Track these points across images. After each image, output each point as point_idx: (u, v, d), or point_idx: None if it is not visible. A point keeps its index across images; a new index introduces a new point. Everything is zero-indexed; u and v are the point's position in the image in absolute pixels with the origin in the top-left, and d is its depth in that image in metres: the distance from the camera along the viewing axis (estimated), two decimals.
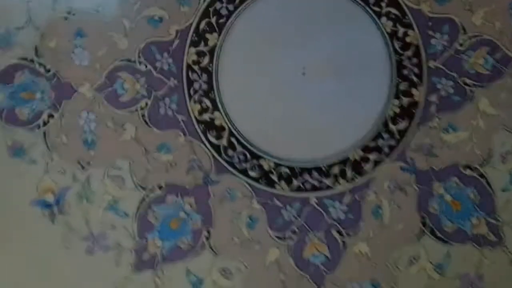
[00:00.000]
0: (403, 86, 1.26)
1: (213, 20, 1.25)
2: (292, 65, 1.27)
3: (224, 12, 1.25)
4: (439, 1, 1.26)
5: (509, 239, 1.24)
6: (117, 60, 1.24)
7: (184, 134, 1.24)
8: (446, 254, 1.23)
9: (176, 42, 1.25)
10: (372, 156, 1.25)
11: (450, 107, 1.25)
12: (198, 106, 1.25)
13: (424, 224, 1.23)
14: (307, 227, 1.24)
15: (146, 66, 1.24)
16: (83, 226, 1.22)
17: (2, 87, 1.22)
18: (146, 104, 1.24)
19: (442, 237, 1.23)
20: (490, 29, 1.26)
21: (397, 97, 1.26)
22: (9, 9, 1.23)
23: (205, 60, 1.26)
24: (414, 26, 1.26)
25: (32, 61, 1.23)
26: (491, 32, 1.26)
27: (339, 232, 1.24)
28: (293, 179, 1.25)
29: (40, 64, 1.23)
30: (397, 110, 1.26)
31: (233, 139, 1.25)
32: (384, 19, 1.26)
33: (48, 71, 1.23)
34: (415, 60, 1.26)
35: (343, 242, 1.23)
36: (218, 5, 1.25)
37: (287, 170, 1.25)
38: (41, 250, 1.23)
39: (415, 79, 1.26)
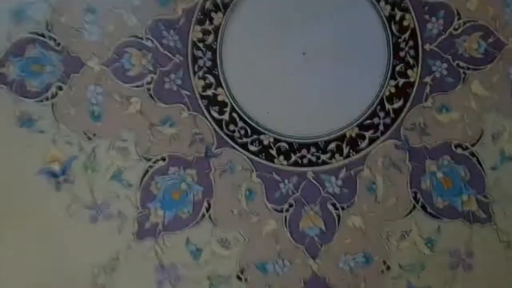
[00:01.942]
0: (399, 67, 1.34)
1: (218, 0, 1.33)
2: (293, 45, 1.35)
3: None
4: None
5: (499, 217, 1.33)
6: (125, 36, 1.31)
7: (188, 109, 1.32)
8: (436, 229, 1.32)
9: (182, 20, 1.32)
10: (368, 134, 1.34)
11: (444, 88, 1.34)
12: (202, 82, 1.32)
13: (416, 199, 1.32)
14: (303, 200, 1.32)
15: (152, 42, 1.31)
16: (88, 195, 1.29)
17: (14, 59, 1.28)
18: (152, 79, 1.31)
19: (433, 212, 1.32)
20: (484, 14, 1.35)
21: (393, 77, 1.34)
22: None
23: (210, 38, 1.33)
24: (411, 10, 1.34)
25: (43, 35, 1.29)
26: (484, 17, 1.35)
27: (334, 206, 1.32)
28: (291, 154, 1.33)
29: (51, 38, 1.29)
30: (393, 90, 1.34)
31: (234, 115, 1.33)
32: (382, 3, 1.34)
33: (58, 45, 1.29)
34: (411, 43, 1.35)
35: (338, 215, 1.32)
36: None
37: (286, 146, 1.33)
38: (46, 217, 1.29)
39: (411, 61, 1.34)
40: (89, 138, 1.30)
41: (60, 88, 1.30)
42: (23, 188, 1.29)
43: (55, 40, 1.30)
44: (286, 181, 1.33)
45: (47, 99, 1.30)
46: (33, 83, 1.30)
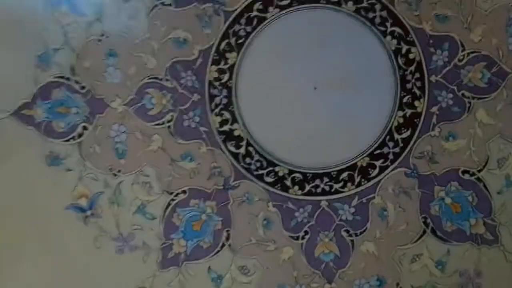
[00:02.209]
0: (406, 98, 1.39)
1: (233, 40, 1.38)
2: (304, 80, 1.40)
3: (242, 33, 1.38)
4: (440, 20, 1.39)
5: (505, 238, 1.39)
6: (145, 77, 1.37)
7: (206, 144, 1.38)
8: (446, 252, 1.38)
9: (199, 61, 1.37)
10: (378, 163, 1.39)
11: (450, 117, 1.39)
12: (219, 119, 1.38)
13: (426, 224, 1.38)
14: (318, 228, 1.39)
15: (171, 83, 1.37)
16: (113, 228, 1.37)
17: (42, 102, 1.35)
18: (172, 117, 1.37)
19: (443, 236, 1.38)
20: (487, 45, 1.39)
21: (401, 108, 1.39)
22: (48, 31, 1.35)
23: (225, 77, 1.38)
24: (417, 44, 1.39)
25: (68, 79, 1.35)
26: (488, 48, 1.39)
27: (348, 232, 1.38)
28: (305, 184, 1.39)
29: (76, 82, 1.36)
30: (401, 121, 1.39)
31: (250, 148, 1.39)
32: (389, 37, 1.39)
33: (83, 88, 1.36)
34: (417, 74, 1.39)
35: (352, 241, 1.38)
36: (237, 27, 1.38)
37: (300, 176, 1.39)
38: (75, 250, 1.36)
39: (417, 92, 1.39)
40: (114, 175, 1.37)
41: (86, 128, 1.36)
42: (52, 223, 1.36)
43: (79, 83, 1.37)
44: (301, 210, 1.39)
45: (73, 138, 1.36)
46: (60, 124, 1.36)
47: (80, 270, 1.37)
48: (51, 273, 1.37)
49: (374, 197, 1.39)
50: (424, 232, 1.39)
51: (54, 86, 1.36)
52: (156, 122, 1.38)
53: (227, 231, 1.39)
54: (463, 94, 1.40)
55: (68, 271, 1.37)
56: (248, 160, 1.39)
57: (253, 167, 1.39)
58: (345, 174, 1.40)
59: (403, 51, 1.40)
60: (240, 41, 1.39)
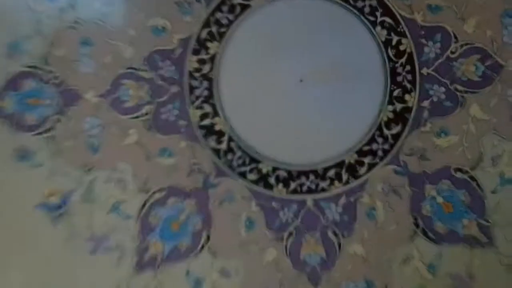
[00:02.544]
0: (396, 92, 1.37)
1: (214, 29, 1.36)
2: (290, 72, 1.38)
3: (224, 21, 1.36)
4: (432, 10, 1.38)
5: (499, 240, 1.34)
6: (122, 67, 1.34)
7: (186, 139, 1.35)
8: (438, 254, 1.34)
9: (179, 50, 1.36)
10: (367, 160, 1.36)
11: (442, 112, 1.37)
12: (199, 112, 1.36)
13: (416, 225, 1.34)
14: (303, 228, 1.34)
15: (149, 74, 1.35)
16: (86, 228, 1.32)
17: (11, 93, 1.32)
18: (149, 110, 1.34)
19: (434, 238, 1.34)
20: (481, 37, 1.38)
21: (390, 102, 1.37)
22: (18, 19, 1.33)
23: (206, 68, 1.36)
24: (408, 35, 1.38)
25: (40, 69, 1.33)
26: (482, 40, 1.38)
27: (335, 233, 1.34)
28: (290, 182, 1.36)
29: (48, 72, 1.33)
30: (391, 116, 1.37)
31: (232, 144, 1.36)
32: (378, 28, 1.38)
33: (56, 78, 1.33)
34: (408, 67, 1.38)
35: (339, 243, 1.34)
36: (219, 15, 1.36)
37: (285, 173, 1.36)
38: (45, 251, 1.31)
39: (408, 85, 1.37)
40: (87, 171, 1.33)
41: (58, 121, 1.33)
42: (22, 222, 1.32)
43: (52, 73, 1.34)
44: (285, 209, 1.35)
45: (45, 132, 1.33)
46: (31, 116, 1.33)
47: (52, 271, 1.32)
48: (24, 273, 1.32)
49: (362, 196, 1.36)
50: (415, 233, 1.35)
51: (25, 76, 1.34)
52: (133, 115, 1.35)
53: (207, 231, 1.34)
54: (455, 88, 1.38)
55: (41, 272, 1.32)
56: (230, 156, 1.36)
57: (235, 163, 1.36)
58: (332, 172, 1.37)
59: (394, 42, 1.38)
60: (222, 30, 1.37)
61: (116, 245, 1.32)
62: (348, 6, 1.37)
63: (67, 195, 1.33)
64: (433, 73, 1.38)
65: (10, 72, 1.33)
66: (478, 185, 1.36)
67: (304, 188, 1.36)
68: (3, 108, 1.32)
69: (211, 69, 1.36)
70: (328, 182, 1.36)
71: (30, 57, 1.34)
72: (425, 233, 1.35)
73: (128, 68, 1.35)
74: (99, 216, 1.33)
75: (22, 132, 1.33)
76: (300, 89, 1.38)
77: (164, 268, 1.33)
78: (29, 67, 1.33)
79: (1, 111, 1.32)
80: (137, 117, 1.35)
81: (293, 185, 1.36)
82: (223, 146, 1.36)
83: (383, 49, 1.38)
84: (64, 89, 1.34)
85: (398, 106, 1.37)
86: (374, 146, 1.37)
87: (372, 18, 1.38)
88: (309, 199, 1.36)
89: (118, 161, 1.34)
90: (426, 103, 1.37)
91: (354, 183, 1.36)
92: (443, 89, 1.37)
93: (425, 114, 1.37)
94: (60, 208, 1.32)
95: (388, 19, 1.38)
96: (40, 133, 1.33)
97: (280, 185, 1.36)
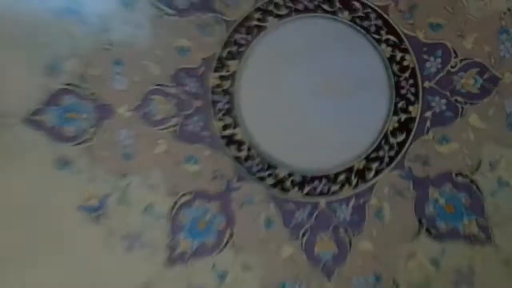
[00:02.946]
0: (401, 104, 1.46)
1: (234, 49, 1.46)
2: (302, 85, 1.47)
3: (243, 42, 1.46)
4: (433, 28, 1.46)
5: (498, 238, 1.44)
6: (151, 84, 1.45)
7: (210, 148, 1.45)
8: (441, 250, 1.43)
9: (202, 68, 1.46)
10: (374, 165, 1.46)
11: (443, 122, 1.46)
12: (221, 123, 1.46)
13: (421, 224, 1.44)
14: (317, 227, 1.45)
15: (176, 89, 1.45)
16: (122, 227, 1.43)
17: (52, 108, 1.42)
18: (177, 122, 1.45)
19: (437, 236, 1.44)
20: (480, 52, 1.46)
21: (395, 113, 1.46)
22: (58, 41, 1.43)
23: (227, 84, 1.47)
24: (411, 51, 1.46)
25: (77, 86, 1.43)
26: (480, 55, 1.46)
27: (346, 232, 1.45)
28: (305, 185, 1.46)
29: (85, 89, 1.44)
30: (396, 125, 1.47)
31: (252, 151, 1.46)
32: (383, 45, 1.47)
33: (92, 94, 1.44)
34: (411, 81, 1.47)
35: (349, 240, 1.44)
36: (237, 36, 1.46)
37: (300, 178, 1.47)
38: (86, 248, 1.42)
39: (411, 97, 1.46)
40: (122, 177, 1.44)
41: (95, 133, 1.44)
42: (64, 224, 1.43)
43: (88, 90, 1.45)
44: (300, 210, 1.46)
45: (83, 142, 1.44)
46: (69, 129, 1.44)
47: (90, 268, 1.43)
48: (63, 272, 1.43)
49: (370, 198, 1.46)
50: (419, 231, 1.45)
51: (64, 93, 1.44)
52: (161, 127, 1.46)
53: (231, 230, 1.45)
54: (456, 100, 1.46)
55: (78, 269, 1.43)
56: (249, 162, 1.47)
57: (254, 169, 1.46)
58: (342, 176, 1.47)
59: (398, 58, 1.47)
60: (241, 49, 1.47)
61: (149, 242, 1.43)
62: (355, 25, 1.46)
63: (104, 198, 1.44)
64: (434, 86, 1.46)
65: (51, 89, 1.43)
66: (477, 188, 1.45)
67: (317, 191, 1.46)
68: (44, 121, 1.42)
69: (231, 84, 1.46)
70: (339, 185, 1.46)
71: (68, 76, 1.44)
72: (428, 232, 1.44)
73: (157, 85, 1.45)
74: (133, 217, 1.44)
75: (62, 143, 1.43)
76: (312, 101, 1.47)
77: (192, 263, 1.44)
78: (68, 84, 1.44)
79: (43, 125, 1.42)
80: (165, 128, 1.45)
81: (307, 188, 1.46)
82: (243, 153, 1.46)
83: (388, 65, 1.47)
84: (99, 104, 1.45)
85: (403, 117, 1.46)
86: (381, 153, 1.47)
87: (377, 37, 1.47)
88: (322, 201, 1.46)
89: (150, 168, 1.45)
90: (428, 114, 1.46)
91: (363, 187, 1.46)
92: (444, 100, 1.46)
93: (428, 123, 1.46)
94: (98, 209, 1.43)
95: (392, 37, 1.47)
96: (78, 144, 1.43)
97: (296, 189, 1.46)
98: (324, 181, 1.47)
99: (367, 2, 1.49)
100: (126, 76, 1.45)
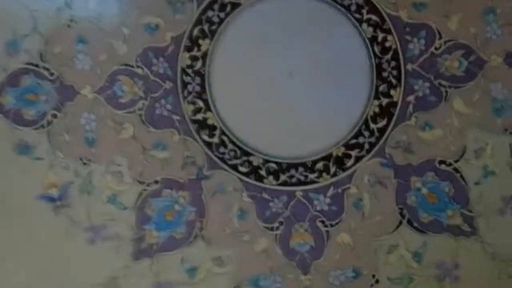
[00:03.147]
0: (382, 87, 1.41)
1: (206, 27, 1.39)
2: (278, 67, 1.42)
3: (215, 19, 1.39)
4: (417, 8, 1.40)
5: (483, 229, 1.41)
6: (116, 64, 1.38)
7: (179, 133, 1.39)
8: (423, 243, 1.41)
9: (171, 47, 1.39)
10: (354, 153, 1.41)
11: (427, 106, 1.41)
12: (191, 107, 1.40)
13: (402, 215, 1.41)
14: (293, 218, 1.41)
15: (143, 70, 1.38)
16: (84, 218, 1.38)
17: (10, 90, 1.36)
18: (143, 105, 1.38)
19: (419, 227, 1.41)
20: (465, 33, 1.41)
21: (376, 97, 1.41)
22: (16, 17, 1.36)
23: (198, 64, 1.40)
24: (393, 32, 1.41)
25: (37, 66, 1.36)
26: (465, 36, 1.41)
27: (323, 223, 1.41)
28: (280, 174, 1.41)
29: (45, 69, 1.37)
30: (377, 110, 1.41)
31: (224, 137, 1.40)
32: (364, 25, 1.41)
33: (52, 75, 1.37)
34: (393, 63, 1.41)
35: (327, 232, 1.40)
36: (210, 13, 1.39)
37: (275, 166, 1.41)
38: (45, 241, 1.38)
39: (393, 81, 1.41)
40: (85, 164, 1.38)
41: (55, 116, 1.38)
42: (22, 213, 1.38)
43: (49, 70, 1.38)
44: (276, 200, 1.41)
45: (43, 126, 1.37)
46: (29, 112, 1.37)
47: (51, 260, 1.39)
48: (23, 263, 1.39)
49: (349, 187, 1.41)
50: (401, 223, 1.41)
51: (22, 73, 1.38)
52: (127, 110, 1.39)
53: (201, 221, 1.40)
54: (439, 83, 1.42)
55: (39, 261, 1.39)
56: (222, 149, 1.41)
57: (227, 156, 1.41)
58: (320, 164, 1.42)
59: (379, 39, 1.42)
60: (214, 27, 1.40)
61: (113, 234, 1.38)
62: (334, 4, 1.41)
63: (65, 187, 1.38)
64: (417, 68, 1.42)
65: (9, 69, 1.37)
66: (461, 177, 1.41)
67: (294, 180, 1.41)
68: (2, 103, 1.36)
69: (203, 65, 1.40)
70: (316, 174, 1.41)
71: (27, 55, 1.37)
72: (410, 223, 1.41)
73: (122, 65, 1.39)
74: (97, 207, 1.38)
75: (21, 126, 1.37)
76: (289, 84, 1.42)
77: (159, 257, 1.39)
78: (27, 64, 1.37)
79: (1, 107, 1.36)
80: (131, 112, 1.39)
81: (283, 177, 1.41)
82: (215, 139, 1.40)
83: (369, 46, 1.41)
84: (60, 85, 1.38)
85: (384, 101, 1.41)
86: (361, 140, 1.42)
87: (358, 16, 1.41)
88: (299, 190, 1.41)
89: (114, 154, 1.39)
90: (411, 98, 1.41)
91: (342, 175, 1.41)
92: (427, 84, 1.41)
93: (410, 108, 1.41)
94: (59, 199, 1.38)
95: (374, 17, 1.41)
96: (38, 128, 1.37)
97: (271, 177, 1.41)
98: (300, 169, 1.42)
99: None
100: (90, 55, 1.39)
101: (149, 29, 1.39)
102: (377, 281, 1.41)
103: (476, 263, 1.42)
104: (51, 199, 1.38)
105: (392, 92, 1.41)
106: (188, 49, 1.40)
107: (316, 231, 1.41)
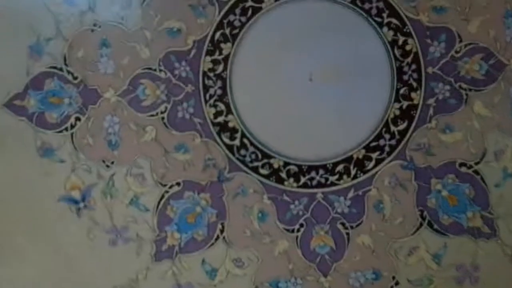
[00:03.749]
0: (403, 90, 1.42)
1: (227, 31, 1.41)
2: (299, 71, 1.43)
3: (237, 23, 1.41)
4: (437, 11, 1.41)
5: (503, 232, 1.42)
6: (139, 68, 1.40)
7: (200, 136, 1.41)
8: (443, 245, 1.41)
9: (193, 51, 1.41)
10: (374, 155, 1.43)
11: (447, 109, 1.42)
12: (213, 110, 1.41)
13: (422, 217, 1.42)
14: (313, 220, 1.42)
15: (165, 74, 1.40)
16: (106, 220, 1.40)
17: (33, 93, 1.38)
18: (166, 108, 1.40)
19: (440, 229, 1.41)
20: (485, 37, 1.42)
21: (397, 100, 1.42)
22: (39, 21, 1.39)
23: (220, 68, 1.42)
24: (413, 35, 1.42)
25: (61, 69, 1.39)
26: (485, 39, 1.42)
27: (344, 225, 1.42)
28: (300, 176, 1.42)
29: (69, 72, 1.39)
30: (398, 113, 1.42)
31: (245, 140, 1.42)
32: (385, 28, 1.42)
33: (76, 78, 1.39)
34: (414, 66, 1.42)
35: (347, 234, 1.42)
36: (231, 17, 1.40)
37: (295, 168, 1.43)
38: (67, 242, 1.40)
39: (414, 84, 1.42)
40: (107, 166, 1.41)
41: (78, 119, 1.40)
42: (45, 215, 1.41)
43: (72, 74, 1.40)
44: (296, 202, 1.42)
45: (66, 129, 1.40)
46: (52, 115, 1.40)
47: (73, 262, 1.41)
48: (44, 265, 1.41)
49: (370, 190, 1.43)
50: (421, 225, 1.42)
51: (46, 76, 1.40)
52: (150, 113, 1.42)
53: (222, 223, 1.42)
54: (460, 86, 1.43)
55: (61, 263, 1.41)
56: (242, 151, 1.43)
57: (247, 159, 1.43)
58: (341, 167, 1.43)
59: (400, 42, 1.43)
60: (235, 31, 1.42)
61: (135, 236, 1.41)
62: (355, 8, 1.42)
63: (88, 189, 1.40)
64: (438, 71, 1.42)
65: (33, 72, 1.39)
66: (482, 179, 1.42)
67: (314, 182, 1.43)
68: (26, 107, 1.39)
69: (225, 69, 1.42)
70: (337, 176, 1.43)
71: (51, 58, 1.40)
72: (430, 225, 1.42)
73: (145, 69, 1.41)
74: (119, 209, 1.41)
75: (44, 129, 1.40)
76: (309, 87, 1.43)
77: (181, 258, 1.41)
78: (51, 67, 1.40)
79: (24, 110, 1.39)
80: (154, 115, 1.41)
81: (303, 179, 1.43)
82: (236, 142, 1.42)
83: (390, 49, 1.43)
84: (83, 88, 1.40)
85: (405, 104, 1.43)
86: (381, 142, 1.43)
87: (379, 19, 1.42)
88: (319, 192, 1.43)
89: (137, 157, 1.41)
90: (431, 101, 1.42)
91: (362, 178, 1.43)
92: (448, 87, 1.42)
93: (431, 111, 1.42)
94: (81, 201, 1.40)
95: (394, 20, 1.42)
96: (61, 131, 1.40)
97: (291, 180, 1.43)
98: (321, 171, 1.43)
99: None
100: (113, 59, 1.41)
101: (171, 33, 1.41)
102: (397, 283, 1.42)
103: (496, 265, 1.43)
104: (74, 201, 1.41)
105: (412, 95, 1.43)
106: (210, 53, 1.42)
107: (337, 233, 1.42)
